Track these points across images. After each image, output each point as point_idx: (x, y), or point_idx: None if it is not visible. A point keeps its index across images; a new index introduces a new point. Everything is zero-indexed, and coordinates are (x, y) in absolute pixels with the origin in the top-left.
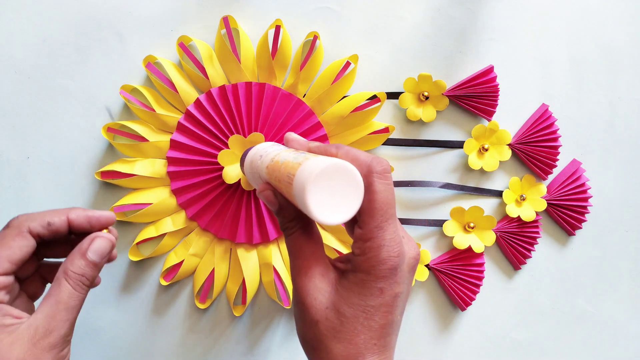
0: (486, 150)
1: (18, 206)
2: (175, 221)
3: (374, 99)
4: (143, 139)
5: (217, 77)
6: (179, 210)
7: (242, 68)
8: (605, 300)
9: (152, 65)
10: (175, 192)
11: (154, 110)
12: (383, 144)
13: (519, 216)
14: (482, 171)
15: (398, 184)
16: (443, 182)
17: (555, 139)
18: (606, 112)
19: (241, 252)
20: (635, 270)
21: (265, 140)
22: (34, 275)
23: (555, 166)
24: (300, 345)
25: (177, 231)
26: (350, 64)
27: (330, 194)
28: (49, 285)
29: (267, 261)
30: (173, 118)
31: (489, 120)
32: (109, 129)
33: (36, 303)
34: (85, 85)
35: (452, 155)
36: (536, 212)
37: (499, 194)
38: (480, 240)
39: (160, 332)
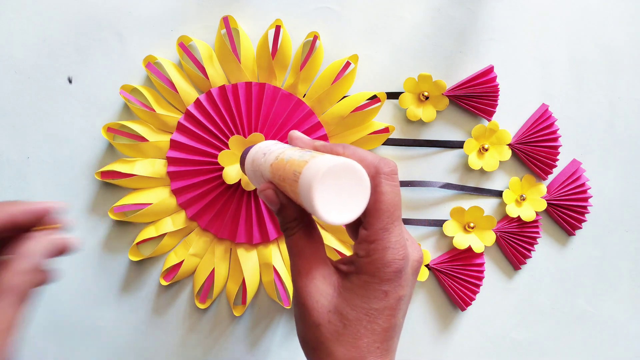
0: (486, 150)
1: None
2: (175, 221)
3: (374, 99)
4: (143, 139)
5: (217, 77)
6: (179, 210)
7: (242, 68)
8: (605, 300)
9: (152, 65)
10: (175, 192)
11: (154, 110)
12: (383, 144)
13: (519, 216)
14: (482, 171)
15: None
16: (443, 182)
17: (555, 139)
18: (606, 112)
19: (241, 252)
20: (635, 270)
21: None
22: None
23: (555, 166)
24: (300, 345)
25: (177, 231)
26: (350, 64)
27: (336, 193)
28: None
29: (267, 261)
30: (173, 118)
31: (489, 120)
32: (109, 129)
33: None
34: (85, 85)
35: (452, 155)
36: (536, 212)
37: (499, 194)
38: (480, 240)
39: (160, 332)
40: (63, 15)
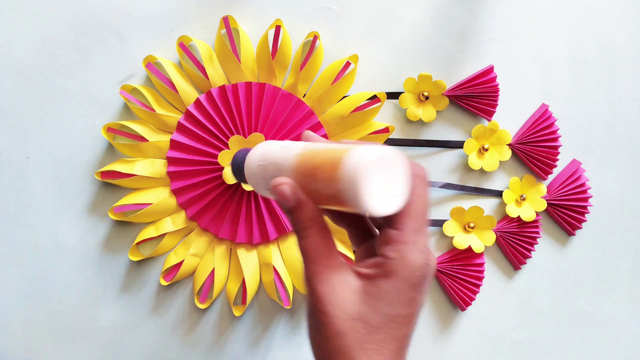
0: (486, 150)
1: (18, 206)
2: (175, 221)
3: (374, 99)
4: (143, 139)
5: (217, 77)
6: (179, 210)
7: (242, 68)
8: (605, 300)
9: (152, 65)
10: (175, 192)
11: (154, 110)
12: (383, 144)
13: (519, 216)
14: (482, 171)
15: None
16: (443, 182)
17: (555, 139)
18: (606, 112)
19: (241, 252)
20: (635, 270)
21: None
22: None
23: (555, 166)
24: (301, 345)
25: (177, 231)
26: (350, 64)
27: (380, 182)
28: None
29: (267, 261)
30: (173, 118)
31: (489, 120)
32: (109, 129)
33: None
34: (85, 85)
35: (452, 155)
36: (536, 212)
37: (499, 194)
38: (480, 240)
39: (160, 332)
40: (63, 15)
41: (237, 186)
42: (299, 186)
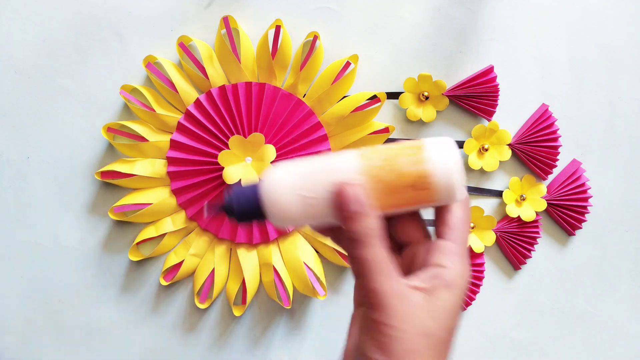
0: (486, 150)
1: (18, 206)
2: (175, 221)
3: (374, 99)
4: (143, 139)
5: (217, 77)
6: (179, 210)
7: (242, 68)
8: (605, 300)
9: (152, 65)
10: (175, 192)
11: (154, 110)
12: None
13: (519, 216)
14: (482, 171)
15: None
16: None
17: (555, 139)
18: (606, 112)
19: (241, 252)
20: (635, 270)
21: (266, 142)
22: None
23: (555, 166)
24: (301, 345)
25: (177, 231)
26: (350, 64)
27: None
28: None
29: (267, 261)
30: (173, 118)
31: (489, 120)
32: (109, 129)
33: None
34: (85, 85)
35: None
36: (536, 212)
37: (499, 194)
38: (480, 240)
39: (160, 332)
40: (63, 15)
41: None
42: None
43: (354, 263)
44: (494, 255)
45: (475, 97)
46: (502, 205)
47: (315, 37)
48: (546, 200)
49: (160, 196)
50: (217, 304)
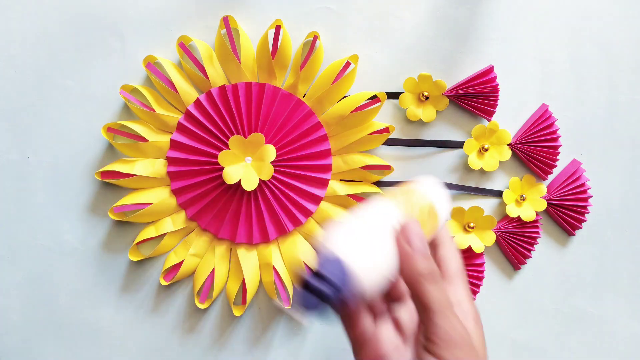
0: (486, 150)
1: (18, 206)
2: (175, 221)
3: (374, 99)
4: (143, 139)
5: (217, 77)
6: (179, 210)
7: (242, 68)
8: (605, 300)
9: (152, 65)
10: (175, 192)
11: (154, 110)
12: (383, 144)
13: (519, 216)
14: (482, 171)
15: (398, 184)
16: (443, 182)
17: (555, 139)
18: (606, 112)
19: (241, 252)
20: (635, 270)
21: (266, 142)
22: None
23: (555, 166)
24: (301, 345)
25: (177, 231)
26: (350, 64)
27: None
28: None
29: (267, 261)
30: (173, 118)
31: (489, 120)
32: (109, 129)
33: None
34: (85, 86)
35: (452, 155)
36: (536, 212)
37: (499, 194)
38: (480, 240)
39: (160, 332)
40: (63, 15)
41: (237, 186)
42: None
43: (420, 299)
44: (494, 255)
45: (475, 97)
46: (502, 205)
47: (315, 37)
48: (546, 200)
49: (160, 196)
50: (217, 304)
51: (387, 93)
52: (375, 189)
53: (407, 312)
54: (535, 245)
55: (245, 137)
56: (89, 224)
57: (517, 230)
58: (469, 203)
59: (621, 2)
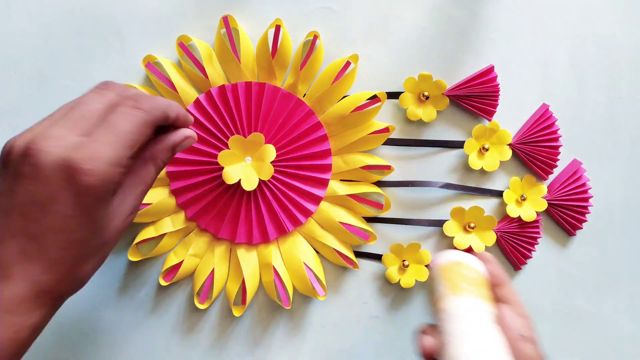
0: (486, 150)
1: None
2: (174, 221)
3: (374, 98)
4: None
5: (216, 76)
6: (179, 210)
7: (242, 68)
8: (605, 301)
9: (151, 65)
10: (175, 192)
11: None
12: (383, 144)
13: (519, 216)
14: (482, 171)
15: (398, 184)
16: (443, 182)
17: (556, 139)
18: (607, 111)
19: (241, 252)
20: (636, 271)
21: (266, 141)
22: None
23: (556, 166)
24: (301, 345)
25: (177, 231)
26: (350, 63)
27: None
28: None
29: (267, 261)
30: None
31: (490, 120)
32: None
33: None
34: (85, 85)
35: (452, 155)
36: (537, 212)
37: (499, 194)
38: (481, 241)
39: (160, 332)
40: (63, 15)
41: (237, 186)
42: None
43: None
44: (494, 255)
45: (475, 97)
46: (503, 205)
47: (315, 37)
48: (547, 200)
49: (160, 196)
50: (216, 304)
51: (387, 93)
52: (375, 189)
53: None
54: (535, 246)
55: (245, 137)
56: None
57: (518, 231)
58: (469, 203)
59: (621, 2)
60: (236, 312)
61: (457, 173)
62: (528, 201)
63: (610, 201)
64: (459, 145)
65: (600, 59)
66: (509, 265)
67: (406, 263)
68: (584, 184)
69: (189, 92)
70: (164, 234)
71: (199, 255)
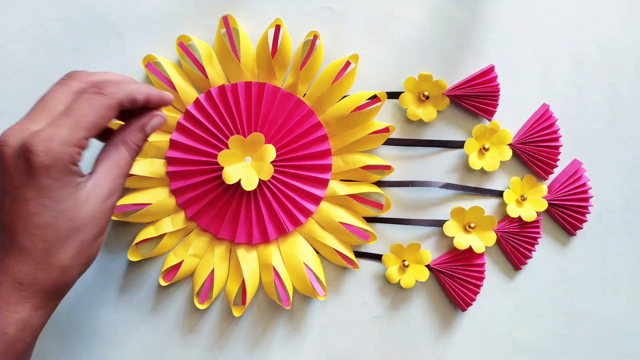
0: (487, 150)
1: None
2: (174, 221)
3: (374, 98)
4: None
5: (216, 76)
6: (179, 210)
7: (241, 68)
8: (606, 301)
9: (151, 65)
10: (175, 192)
11: None
12: (383, 144)
13: (519, 216)
14: (482, 171)
15: (398, 184)
16: (443, 182)
17: (556, 139)
18: (607, 111)
19: (241, 253)
20: (636, 271)
21: (266, 141)
22: None
23: (556, 166)
24: (301, 345)
25: (177, 231)
26: (350, 63)
27: None
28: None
29: (267, 261)
30: (172, 118)
31: (490, 120)
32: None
33: None
34: None
35: (452, 155)
36: (537, 212)
37: (499, 194)
38: (481, 241)
39: (160, 332)
40: (63, 15)
41: (237, 186)
42: None
43: None
44: (494, 255)
45: (475, 97)
46: (503, 205)
47: (315, 37)
48: (547, 200)
49: (160, 196)
50: (216, 304)
51: (387, 93)
52: (375, 189)
53: None
54: (536, 246)
55: (245, 136)
56: None
57: (518, 231)
58: (469, 203)
59: (621, 2)
60: (236, 312)
61: (457, 173)
62: (528, 201)
63: (610, 201)
64: (459, 145)
65: (600, 58)
66: (509, 265)
67: (406, 263)
68: (584, 184)
69: (189, 92)
70: (164, 234)
71: (199, 255)
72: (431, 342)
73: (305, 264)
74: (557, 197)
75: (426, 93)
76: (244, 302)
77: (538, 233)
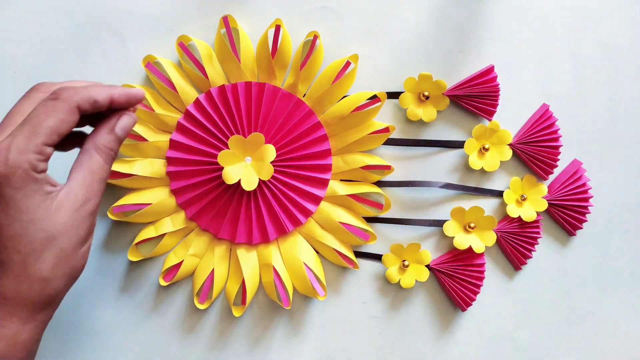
0: (487, 150)
1: None
2: (174, 221)
3: (374, 98)
4: (142, 139)
5: (216, 76)
6: (179, 210)
7: (241, 68)
8: (606, 301)
9: (151, 65)
10: (175, 192)
11: (153, 110)
12: (383, 144)
13: (519, 216)
14: (482, 171)
15: (398, 184)
16: (443, 182)
17: (556, 139)
18: (607, 111)
19: (241, 253)
20: (636, 271)
21: (266, 141)
22: None
23: (556, 166)
24: (301, 345)
25: (177, 231)
26: (350, 63)
27: None
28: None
29: (267, 261)
30: (172, 118)
31: (490, 120)
32: None
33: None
34: None
35: (452, 155)
36: (537, 212)
37: (499, 194)
38: (481, 241)
39: (160, 332)
40: (62, 15)
41: (237, 186)
42: None
43: None
44: (494, 255)
45: (475, 97)
46: (503, 205)
47: (315, 37)
48: (547, 200)
49: (160, 196)
50: (216, 304)
51: (387, 93)
52: (375, 189)
53: None
54: (535, 246)
55: (245, 136)
56: None
57: (518, 231)
58: (469, 203)
59: (622, 2)
60: (236, 312)
61: (457, 173)
62: (528, 201)
63: (610, 201)
64: (459, 145)
65: (600, 59)
66: (509, 265)
67: (406, 263)
68: (584, 184)
69: (189, 92)
70: (164, 234)
71: (199, 255)
72: (431, 342)
73: (305, 264)
74: (557, 197)
75: (426, 93)
76: (244, 302)
77: (538, 233)
